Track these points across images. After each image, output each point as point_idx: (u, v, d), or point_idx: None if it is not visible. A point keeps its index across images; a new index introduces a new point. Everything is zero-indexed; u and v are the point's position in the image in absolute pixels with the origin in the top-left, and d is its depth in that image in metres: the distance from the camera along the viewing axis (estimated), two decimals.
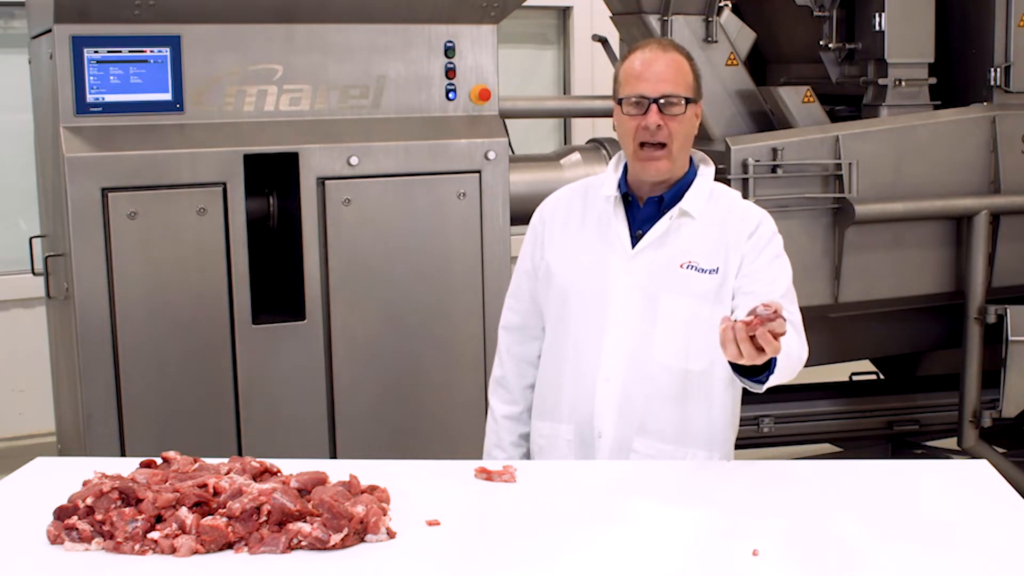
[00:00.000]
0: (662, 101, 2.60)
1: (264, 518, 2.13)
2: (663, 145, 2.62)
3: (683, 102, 2.62)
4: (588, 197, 2.78)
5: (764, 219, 2.73)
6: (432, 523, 2.22)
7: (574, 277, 2.73)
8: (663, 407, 2.69)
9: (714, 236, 2.68)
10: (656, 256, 2.67)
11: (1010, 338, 4.55)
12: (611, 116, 5.38)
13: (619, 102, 2.67)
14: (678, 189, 2.69)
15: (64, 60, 3.64)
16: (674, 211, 2.68)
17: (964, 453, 4.76)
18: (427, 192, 4.03)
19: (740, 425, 5.16)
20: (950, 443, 5.07)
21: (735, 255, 2.67)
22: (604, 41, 5.11)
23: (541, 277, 2.81)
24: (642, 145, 2.63)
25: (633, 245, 2.69)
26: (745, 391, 2.68)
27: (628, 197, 2.72)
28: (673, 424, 2.70)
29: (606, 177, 2.76)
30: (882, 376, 5.64)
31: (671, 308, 2.66)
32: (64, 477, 2.40)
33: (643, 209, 2.70)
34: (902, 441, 5.33)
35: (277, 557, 2.08)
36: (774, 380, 2.52)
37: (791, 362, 2.52)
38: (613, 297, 2.68)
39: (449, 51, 4.05)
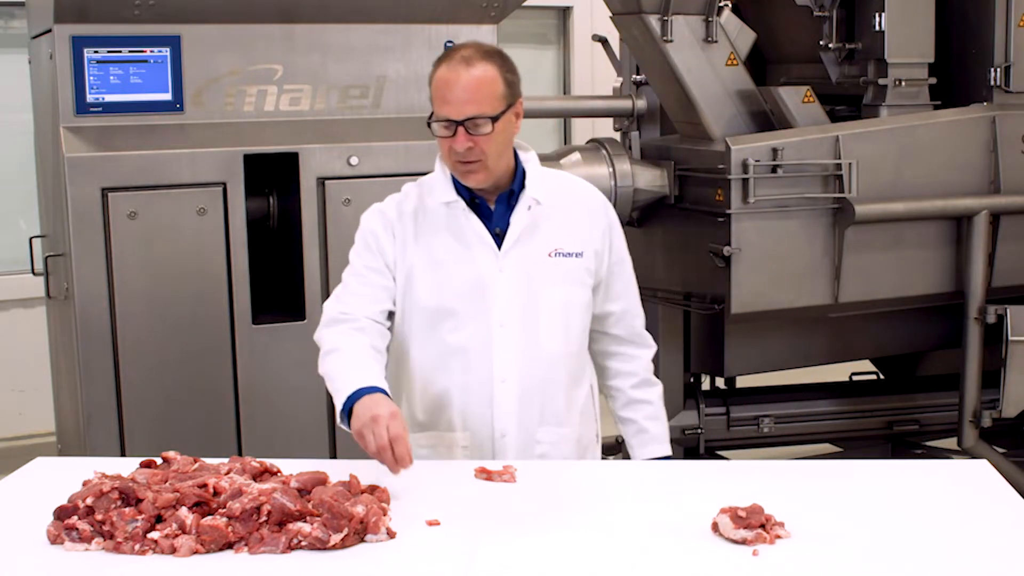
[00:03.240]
0: (468, 123, 2.53)
1: (264, 518, 2.13)
2: (478, 160, 2.58)
3: (490, 122, 2.53)
4: (426, 206, 2.69)
5: (607, 205, 2.79)
6: (432, 523, 2.22)
7: (448, 293, 2.66)
8: (556, 394, 2.73)
9: (567, 220, 2.71)
10: (526, 249, 2.67)
11: (1010, 338, 4.55)
12: (611, 116, 5.43)
13: (431, 120, 2.59)
14: (519, 179, 2.68)
15: (64, 60, 3.64)
16: (526, 201, 2.66)
17: (964, 453, 4.76)
18: None
19: (740, 425, 5.23)
20: (950, 443, 5.07)
21: (591, 239, 2.72)
22: (604, 41, 5.12)
23: (400, 287, 2.70)
24: (458, 161, 2.59)
25: (497, 244, 2.67)
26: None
27: (476, 200, 2.68)
28: (566, 408, 2.76)
29: (434, 183, 2.69)
30: (882, 376, 5.64)
31: (550, 297, 2.69)
32: (64, 477, 2.40)
33: (495, 207, 2.68)
34: (902, 441, 5.33)
35: (277, 557, 2.08)
36: (662, 431, 2.88)
37: (653, 406, 2.89)
38: (494, 300, 2.66)
39: None
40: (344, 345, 2.60)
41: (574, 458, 2.79)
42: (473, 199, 2.68)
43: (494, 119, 2.55)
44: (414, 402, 2.76)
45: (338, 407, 2.48)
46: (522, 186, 2.68)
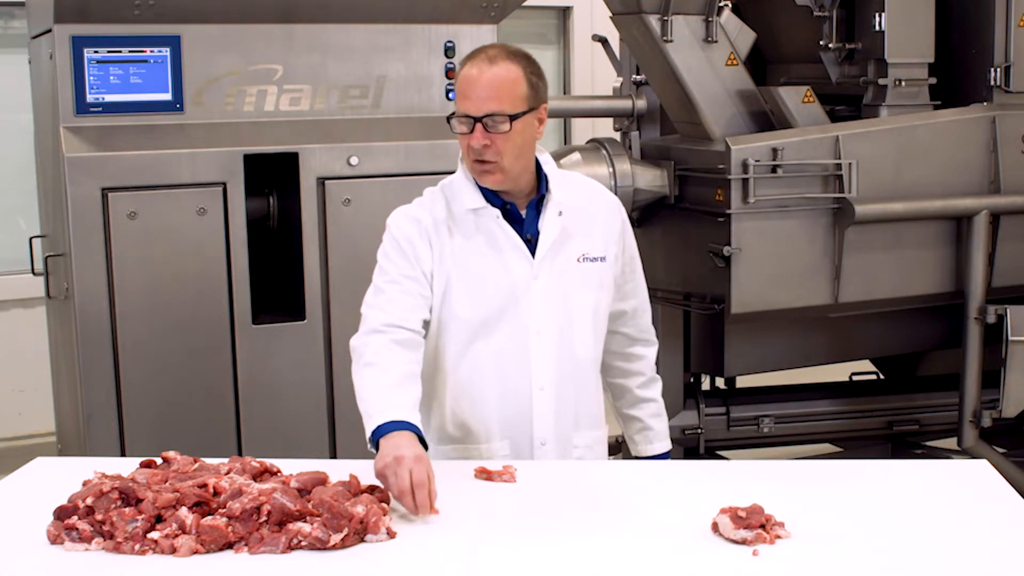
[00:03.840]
0: (486, 120, 2.52)
1: (264, 518, 2.14)
2: (494, 160, 2.56)
3: (508, 120, 2.52)
4: (454, 213, 2.66)
5: (620, 206, 2.80)
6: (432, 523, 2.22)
7: (485, 303, 2.64)
8: (587, 398, 2.76)
9: (591, 224, 2.71)
10: (558, 256, 2.67)
11: (1010, 338, 4.55)
12: (611, 116, 5.43)
13: (451, 116, 2.59)
14: (544, 183, 2.67)
15: (64, 60, 3.64)
16: (555, 206, 2.65)
17: (964, 453, 4.76)
18: None
19: (740, 425, 5.24)
20: (950, 443, 5.07)
21: (610, 242, 2.73)
22: (604, 41, 5.12)
23: (437, 297, 2.66)
24: (475, 160, 2.58)
25: (529, 250, 2.65)
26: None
27: (507, 206, 2.66)
28: (597, 411, 2.79)
29: (460, 188, 2.67)
30: (882, 376, 5.64)
31: (581, 302, 2.69)
32: (64, 477, 2.40)
33: (526, 213, 2.66)
34: (902, 441, 5.34)
35: (277, 557, 2.08)
36: (662, 430, 2.95)
37: (657, 403, 2.93)
38: (530, 307, 2.65)
39: (449, 51, 4.05)
40: (383, 361, 2.53)
41: (605, 459, 2.82)
42: (504, 205, 2.65)
43: (512, 117, 2.53)
44: (446, 414, 2.71)
45: (367, 432, 2.44)
46: (547, 190, 2.66)
